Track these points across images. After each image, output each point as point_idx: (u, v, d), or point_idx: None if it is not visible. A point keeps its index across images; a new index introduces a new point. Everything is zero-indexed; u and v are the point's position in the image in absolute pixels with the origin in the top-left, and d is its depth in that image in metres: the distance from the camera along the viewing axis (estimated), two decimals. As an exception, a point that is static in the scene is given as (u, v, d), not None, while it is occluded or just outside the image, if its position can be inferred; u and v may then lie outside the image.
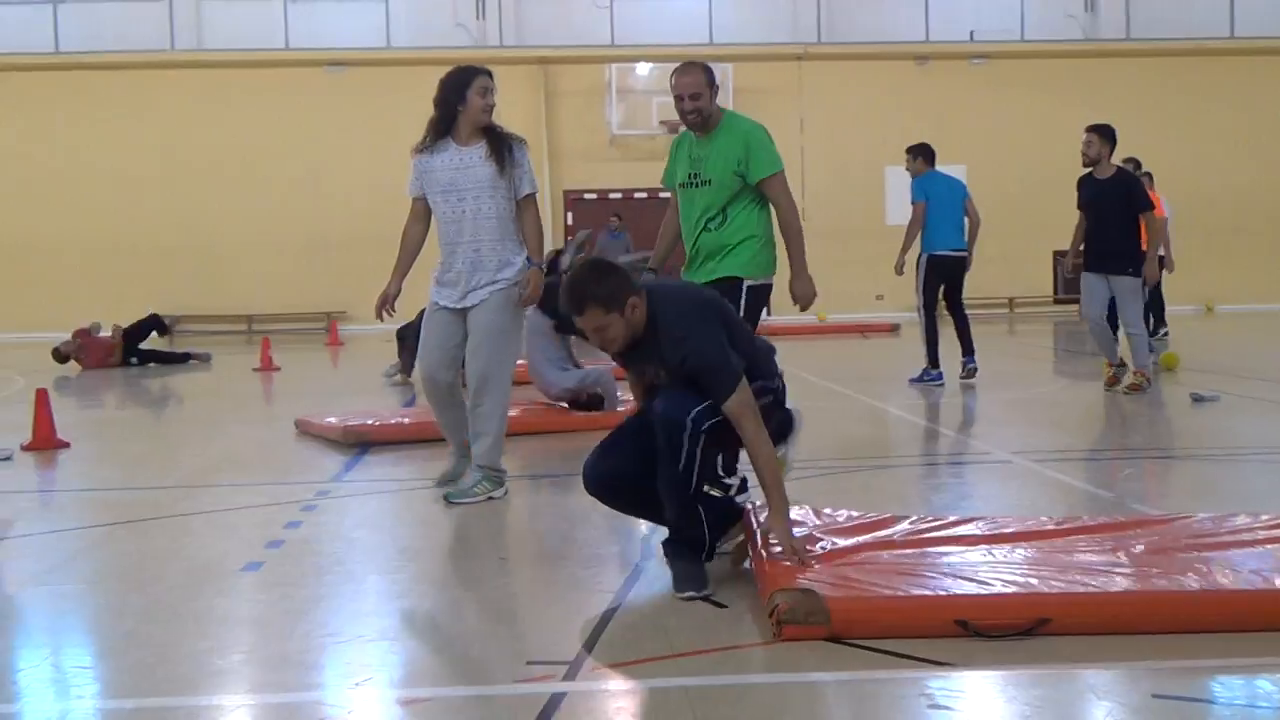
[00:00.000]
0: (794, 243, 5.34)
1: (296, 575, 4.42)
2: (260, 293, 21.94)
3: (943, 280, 10.36)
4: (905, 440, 8.06)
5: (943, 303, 10.47)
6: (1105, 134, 9.28)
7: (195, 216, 22.00)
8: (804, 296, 5.38)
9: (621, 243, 18.18)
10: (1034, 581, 3.62)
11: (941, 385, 10.07)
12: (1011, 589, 3.56)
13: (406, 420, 8.01)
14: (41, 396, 7.78)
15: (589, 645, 3.47)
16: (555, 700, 3.02)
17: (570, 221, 22.97)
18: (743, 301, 5.20)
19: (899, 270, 10.94)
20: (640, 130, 21.88)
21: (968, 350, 10.40)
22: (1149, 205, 9.29)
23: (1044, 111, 22.24)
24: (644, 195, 20.83)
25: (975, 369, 10.33)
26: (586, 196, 22.48)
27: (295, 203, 21.91)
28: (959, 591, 3.55)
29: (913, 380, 10.18)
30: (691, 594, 3.89)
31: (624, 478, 4.12)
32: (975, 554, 3.98)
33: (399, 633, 3.80)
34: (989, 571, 3.73)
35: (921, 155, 10.53)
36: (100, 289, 20.74)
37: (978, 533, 4.27)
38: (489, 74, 5.62)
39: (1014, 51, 23.13)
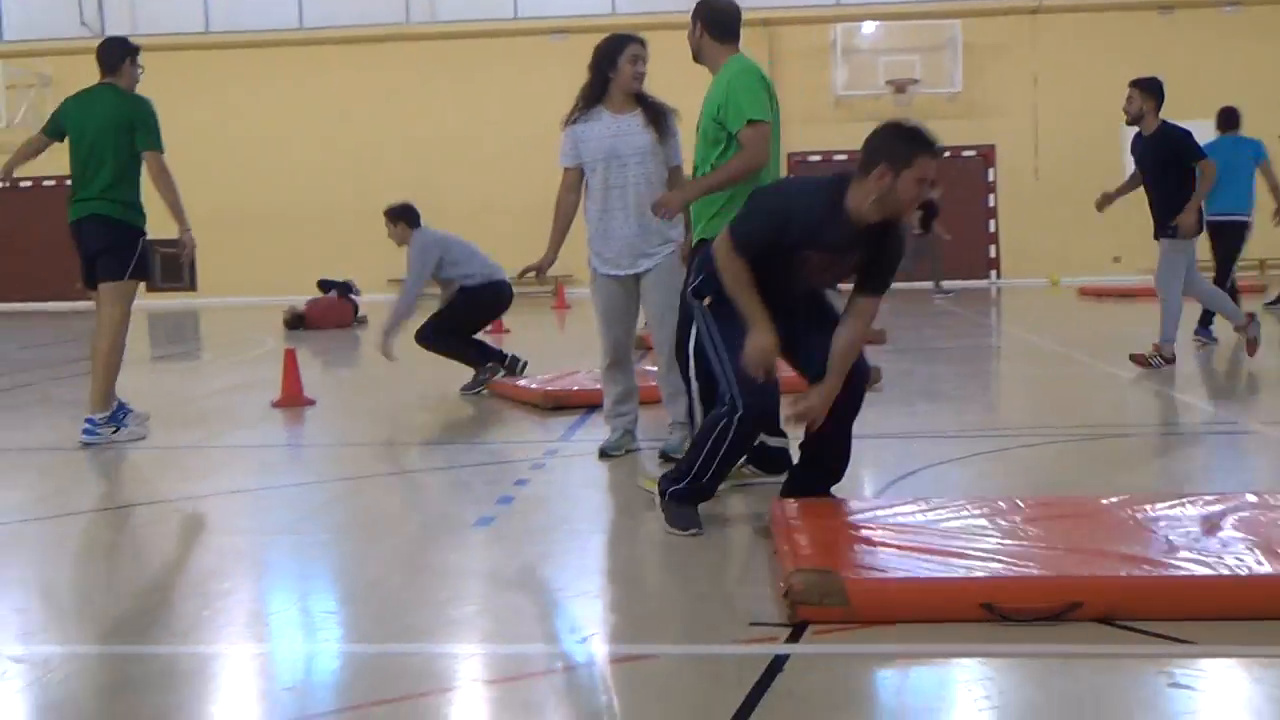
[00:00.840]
0: (720, 174, 4.93)
1: (525, 531, 4.55)
2: (490, 257, 22.52)
3: (1216, 243, 10.18)
4: (1147, 409, 7.71)
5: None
6: (1147, 88, 8.66)
7: (428, 183, 22.74)
8: (667, 202, 5.04)
9: None
10: (1067, 563, 3.42)
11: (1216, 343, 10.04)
12: (1041, 571, 3.37)
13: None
14: (290, 356, 8.24)
15: (811, 609, 3.45)
16: (778, 662, 3.03)
17: (793, 184, 22.75)
18: None
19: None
20: (865, 90, 21.43)
21: (1205, 321, 10.13)
22: (1199, 155, 8.50)
23: (1304, 60, 20.78)
24: (869, 157, 20.44)
25: (1204, 343, 10.00)
26: (811, 159, 22.22)
27: (522, 168, 22.39)
28: (983, 574, 3.37)
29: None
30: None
31: (776, 413, 4.51)
32: (1006, 534, 3.74)
33: (622, 590, 3.88)
34: (1019, 552, 3.53)
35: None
36: (340, 255, 21.74)
37: (1014, 510, 4.02)
38: (642, 42, 5.71)
39: (1271, -4, 21.67)
